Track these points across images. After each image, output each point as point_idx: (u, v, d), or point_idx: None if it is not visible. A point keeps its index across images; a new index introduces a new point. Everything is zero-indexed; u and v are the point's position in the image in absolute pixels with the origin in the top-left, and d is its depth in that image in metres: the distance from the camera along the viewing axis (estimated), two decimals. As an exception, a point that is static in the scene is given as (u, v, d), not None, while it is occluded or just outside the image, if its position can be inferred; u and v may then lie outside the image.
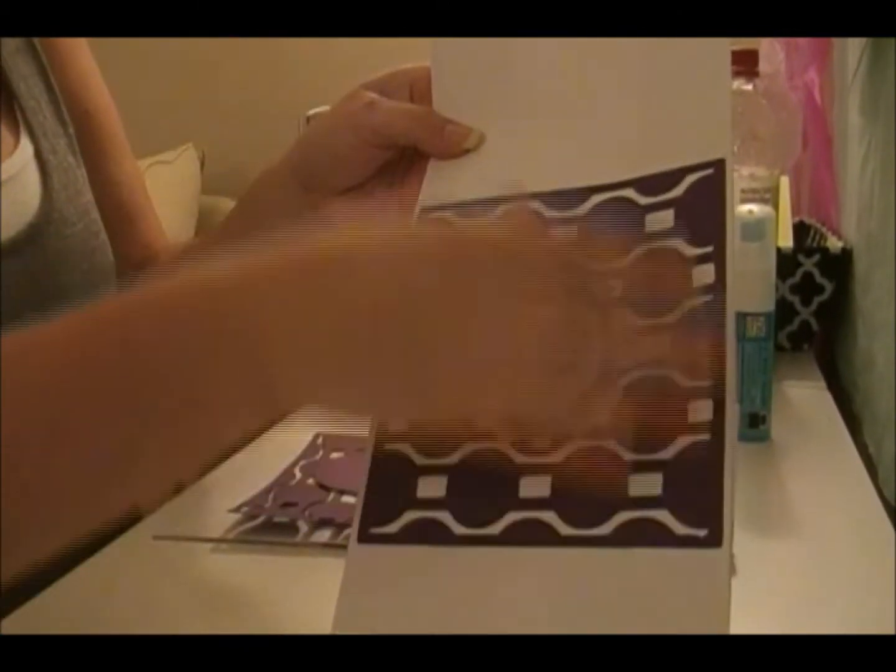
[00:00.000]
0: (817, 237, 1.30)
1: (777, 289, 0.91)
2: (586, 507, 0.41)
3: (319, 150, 0.61)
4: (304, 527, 0.63)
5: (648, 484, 0.40)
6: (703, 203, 0.45)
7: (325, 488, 0.68)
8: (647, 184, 0.47)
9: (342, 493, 0.67)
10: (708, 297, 0.42)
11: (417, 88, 0.59)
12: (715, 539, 0.38)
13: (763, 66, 1.22)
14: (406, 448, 0.45)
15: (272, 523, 0.64)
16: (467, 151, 0.54)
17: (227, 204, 2.46)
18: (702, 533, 0.38)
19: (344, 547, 0.61)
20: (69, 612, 0.54)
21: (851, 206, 1.16)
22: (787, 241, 1.26)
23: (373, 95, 0.59)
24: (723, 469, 0.39)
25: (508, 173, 0.52)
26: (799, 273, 1.14)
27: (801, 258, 1.14)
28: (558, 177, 0.50)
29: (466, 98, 0.56)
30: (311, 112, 2.29)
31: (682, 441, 0.40)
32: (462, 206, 0.51)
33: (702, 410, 0.41)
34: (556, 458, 0.42)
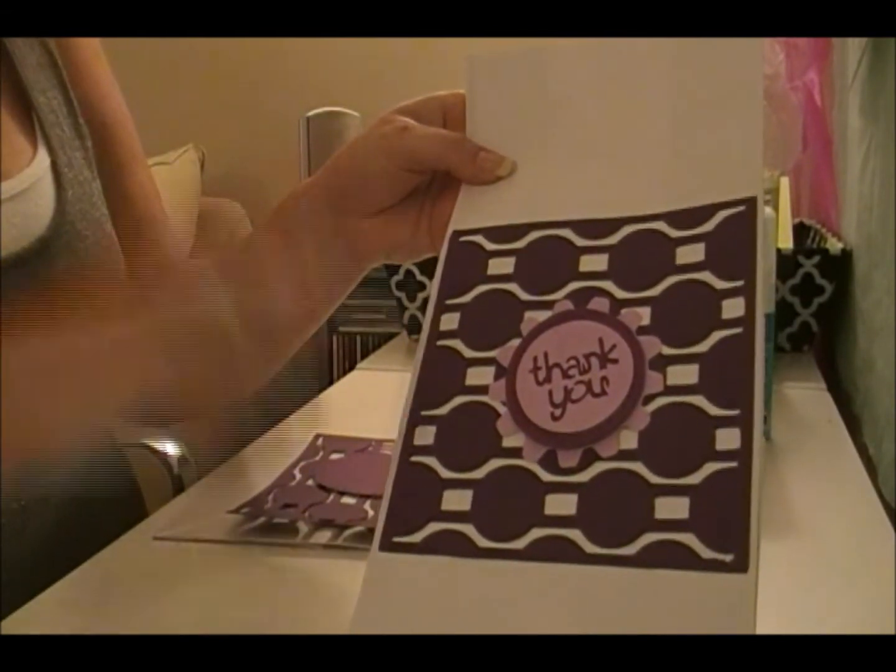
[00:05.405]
0: (817, 238, 1.30)
1: (777, 290, 0.91)
2: (612, 526, 0.41)
3: (351, 173, 0.62)
4: (303, 528, 0.63)
5: (675, 507, 0.40)
6: (733, 238, 0.46)
7: (325, 489, 0.68)
8: (679, 217, 0.48)
9: (342, 494, 0.67)
10: (737, 330, 0.43)
11: (451, 115, 0.59)
12: (741, 564, 0.38)
13: (763, 68, 1.22)
14: (432, 461, 0.45)
15: (272, 524, 0.64)
16: (500, 179, 0.55)
17: (228, 205, 2.45)
18: (728, 558, 0.38)
19: (344, 548, 0.61)
20: (69, 612, 0.54)
21: (851, 208, 1.16)
22: (787, 242, 1.26)
23: (406, 120, 0.59)
24: (750, 497, 0.39)
25: (540, 201, 0.52)
26: (799, 274, 1.14)
27: (801, 259, 1.14)
28: (590, 206, 0.50)
29: (500, 125, 0.56)
30: (311, 113, 2.29)
31: (710, 467, 0.41)
32: (493, 232, 0.51)
33: (729, 439, 0.41)
34: (582, 477, 0.42)
